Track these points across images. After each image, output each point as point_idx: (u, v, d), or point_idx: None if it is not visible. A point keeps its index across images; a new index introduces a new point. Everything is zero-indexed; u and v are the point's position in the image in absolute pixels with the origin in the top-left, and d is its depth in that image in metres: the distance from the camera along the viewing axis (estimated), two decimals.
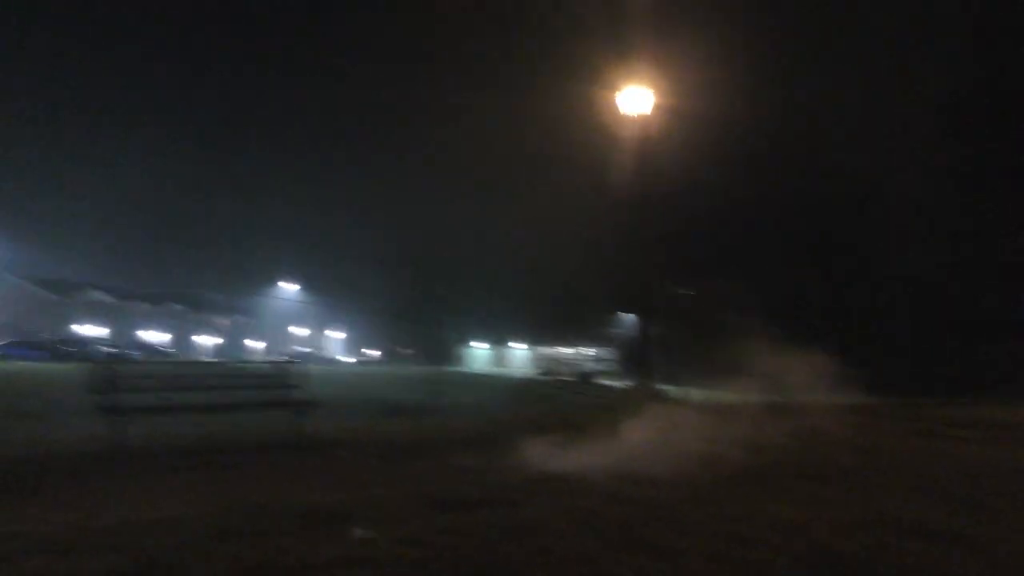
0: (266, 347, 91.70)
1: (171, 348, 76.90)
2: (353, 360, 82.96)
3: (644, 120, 15.16)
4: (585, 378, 44.82)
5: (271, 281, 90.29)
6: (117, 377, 8.25)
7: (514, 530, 4.44)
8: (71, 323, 72.44)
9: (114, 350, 51.43)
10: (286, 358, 10.31)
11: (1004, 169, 27.25)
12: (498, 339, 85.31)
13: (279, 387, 9.59)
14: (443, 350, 72.05)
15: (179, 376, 10.29)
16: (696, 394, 22.77)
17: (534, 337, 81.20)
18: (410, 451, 8.47)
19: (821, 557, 3.94)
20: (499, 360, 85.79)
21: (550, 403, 19.84)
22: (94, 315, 77.31)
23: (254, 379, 10.56)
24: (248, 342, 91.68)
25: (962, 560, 3.86)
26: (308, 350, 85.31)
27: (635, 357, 18.12)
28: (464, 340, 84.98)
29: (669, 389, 23.50)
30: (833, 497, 5.58)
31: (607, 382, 34.13)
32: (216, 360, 46.82)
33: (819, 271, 33.58)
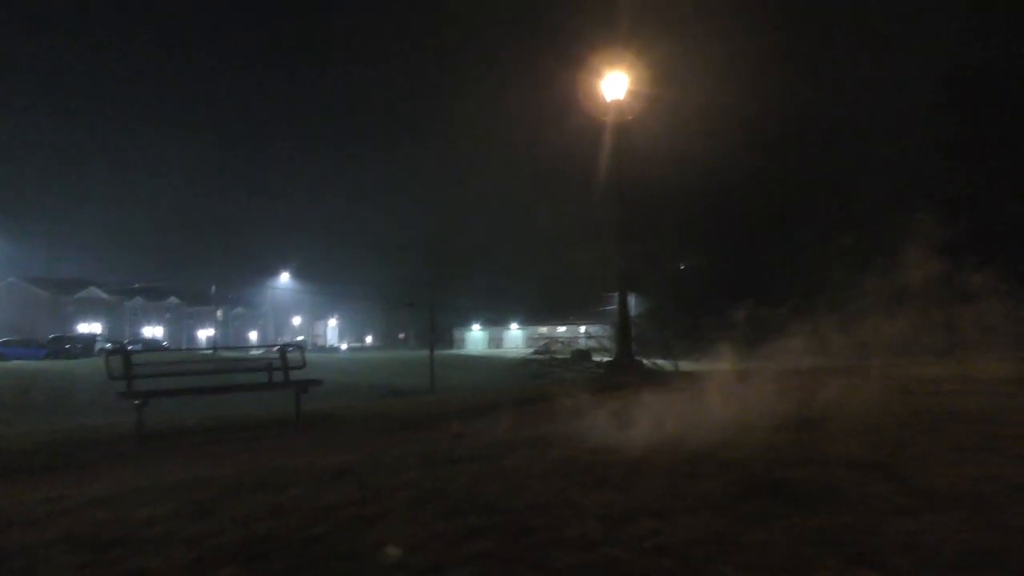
0: (262, 337, 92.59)
1: (168, 342, 77.68)
2: (345, 347, 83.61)
3: (620, 104, 15.88)
4: (580, 356, 45.65)
5: (267, 272, 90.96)
6: (132, 365, 8.99)
7: (494, 475, 5.23)
8: (68, 321, 73.01)
9: (113, 345, 52.16)
10: (281, 346, 10.84)
11: (1004, 142, 27.88)
12: (494, 321, 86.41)
13: (279, 371, 10.35)
14: (438, 334, 72.77)
15: (187, 363, 11.01)
16: (683, 366, 23.61)
17: (529, 318, 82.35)
18: (405, 423, 9.24)
19: (759, 485, 4.70)
20: (495, 341, 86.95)
21: (541, 379, 20.63)
22: (91, 312, 77.91)
23: (256, 364, 11.34)
24: (245, 333, 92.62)
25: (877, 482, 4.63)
26: (302, 338, 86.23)
27: (621, 334, 18.88)
28: (460, 323, 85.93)
29: (658, 363, 24.34)
30: (781, 441, 6.34)
31: (601, 359, 35.11)
32: (215, 350, 47.42)
33: (813, 242, 34.35)
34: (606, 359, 31.01)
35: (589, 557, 3.43)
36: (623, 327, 18.89)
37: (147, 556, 3.58)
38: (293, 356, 10.67)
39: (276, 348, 11.89)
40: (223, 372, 10.78)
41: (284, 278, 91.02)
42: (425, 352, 35.98)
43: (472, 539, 3.70)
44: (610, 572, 3.24)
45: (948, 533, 3.63)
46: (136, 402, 8.53)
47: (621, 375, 16.32)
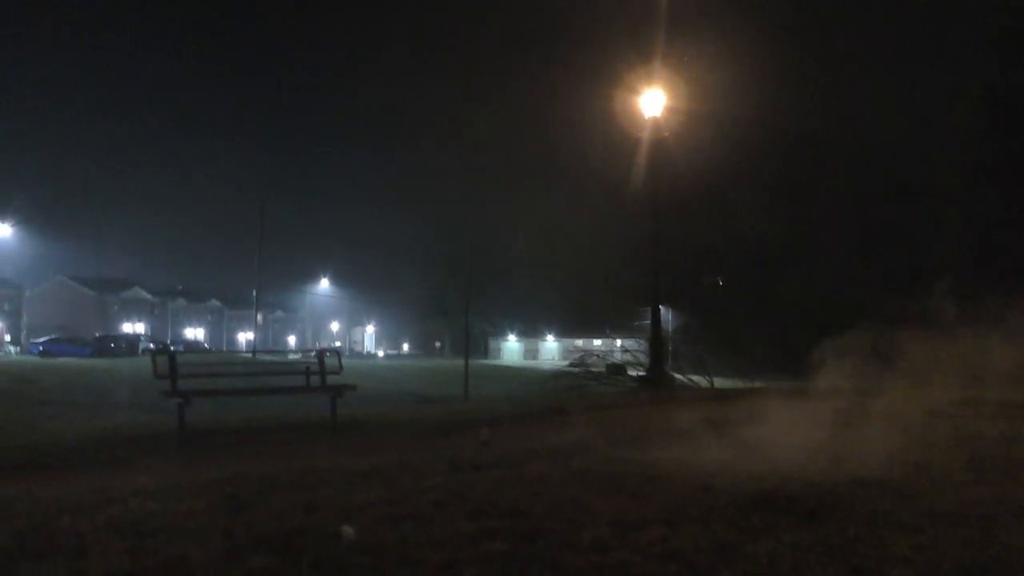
0: (300, 342, 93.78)
1: (209, 344, 79.06)
2: (381, 354, 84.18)
3: (656, 121, 16.07)
4: (615, 370, 45.47)
5: (306, 278, 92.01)
6: (177, 365, 9.36)
7: (517, 481, 5.44)
8: (112, 320, 74.63)
9: (157, 345, 53.36)
10: (319, 351, 11.15)
11: None
12: (529, 332, 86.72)
13: (316, 375, 10.67)
14: (473, 344, 73.11)
15: (228, 365, 11.37)
16: (718, 383, 23.57)
17: (565, 330, 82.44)
18: (436, 430, 9.48)
19: (770, 499, 4.84)
20: (531, 353, 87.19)
21: (573, 392, 20.77)
22: (135, 312, 79.52)
23: (294, 368, 11.70)
24: (284, 337, 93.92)
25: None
26: (339, 344, 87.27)
27: (655, 349, 18.99)
28: (495, 333, 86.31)
29: (693, 379, 24.33)
30: (797, 459, 6.47)
31: (635, 373, 35.01)
32: (254, 353, 48.24)
33: (856, 261, 34.17)
34: (640, 373, 31.06)
35: (600, 560, 3.62)
36: (655, 342, 19.03)
37: (186, 544, 3.84)
38: (329, 361, 10.95)
39: (313, 353, 12.22)
40: (262, 375, 11.15)
41: (323, 284, 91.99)
42: (460, 361, 36.20)
43: (490, 539, 3.91)
44: (619, 574, 3.43)
45: (948, 549, 3.77)
46: (179, 401, 8.88)
47: (652, 390, 16.44)
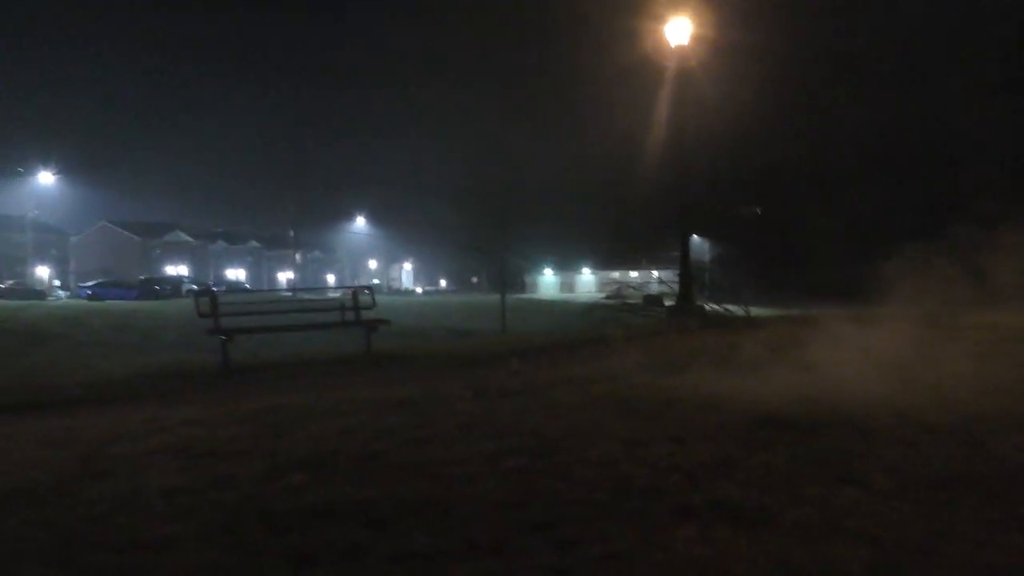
0: (339, 280, 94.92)
1: (249, 284, 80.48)
2: (420, 290, 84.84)
3: (683, 50, 15.95)
4: (651, 301, 45.41)
5: (343, 217, 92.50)
6: (219, 304, 9.80)
7: (540, 406, 5.77)
8: (155, 263, 76.28)
9: (200, 287, 54.63)
10: (353, 288, 11.55)
11: None
12: (565, 265, 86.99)
13: (351, 310, 11.09)
14: (511, 278, 73.38)
15: (268, 303, 11.81)
16: (755, 312, 23.70)
17: (601, 262, 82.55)
18: (468, 361, 9.85)
19: (775, 419, 5.11)
20: (567, 286, 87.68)
21: (605, 324, 21.04)
22: (176, 255, 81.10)
23: (331, 305, 12.13)
24: (322, 276, 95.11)
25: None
26: (377, 282, 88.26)
27: (684, 279, 19.18)
28: (532, 268, 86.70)
29: (729, 308, 24.46)
30: (806, 381, 6.71)
31: (672, 303, 35.02)
32: (294, 292, 49.19)
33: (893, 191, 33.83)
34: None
35: (608, 473, 3.93)
36: (684, 272, 19.19)
37: (232, 464, 4.23)
38: (364, 299, 11.35)
39: (350, 290, 12.63)
40: (300, 312, 11.58)
41: (359, 223, 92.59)
42: (496, 296, 36.64)
43: (508, 457, 4.25)
44: (622, 484, 3.74)
45: (935, 460, 4.02)
46: (222, 338, 9.34)
47: (683, 319, 16.67)
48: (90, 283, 54.26)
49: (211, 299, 9.75)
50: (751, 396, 5.94)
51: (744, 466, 3.98)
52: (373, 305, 10.98)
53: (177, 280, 60.86)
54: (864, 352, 8.40)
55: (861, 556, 2.71)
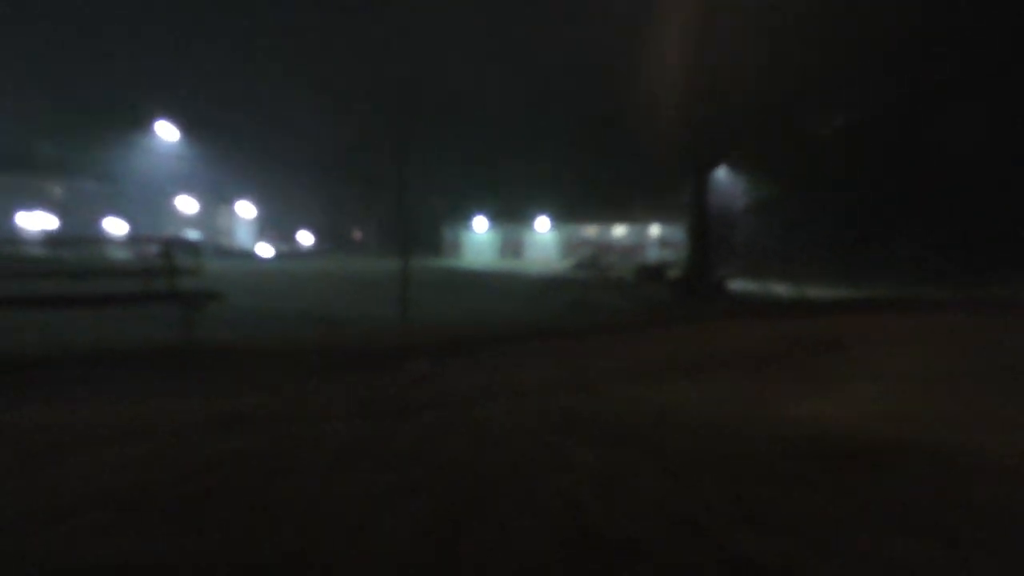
0: (131, 229, 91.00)
1: None
2: (271, 253, 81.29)
3: None
4: (647, 275, 44.61)
5: (141, 124, 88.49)
6: None
7: (459, 427, 6.13)
8: None
9: None
10: (164, 242, 11.22)
11: None
12: (511, 215, 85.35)
13: (161, 277, 11.17)
14: (421, 235, 72.78)
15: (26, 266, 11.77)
16: (813, 293, 24.42)
17: (567, 212, 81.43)
18: (353, 362, 10.13)
19: (813, 444, 5.54)
20: (511, 248, 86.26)
21: (575, 311, 21.45)
22: None
23: (122, 269, 12.18)
24: (98, 219, 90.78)
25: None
26: (195, 234, 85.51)
27: (696, 244, 19.49)
28: (456, 219, 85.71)
29: (772, 287, 25.09)
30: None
31: (679, 277, 33.79)
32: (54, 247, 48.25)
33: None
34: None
35: (565, 522, 4.25)
36: (699, 230, 19.37)
37: None
38: (182, 260, 11.45)
39: (155, 246, 12.64)
40: (69, 277, 11.62)
41: (166, 132, 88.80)
42: (393, 263, 36.06)
43: (414, 496, 4.55)
44: (588, 538, 4.06)
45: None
46: None
47: (692, 303, 17.05)
48: None
49: None
50: (791, 415, 6.37)
51: (771, 509, 4.35)
52: (198, 270, 11.15)
53: None
54: (966, 351, 8.93)
55: None
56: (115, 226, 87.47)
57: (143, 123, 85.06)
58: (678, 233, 60.27)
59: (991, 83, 37.14)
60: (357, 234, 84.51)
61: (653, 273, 44.05)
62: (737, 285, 24.58)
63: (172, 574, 3.54)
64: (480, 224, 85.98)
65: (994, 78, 37.00)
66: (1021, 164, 35.92)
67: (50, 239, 60.96)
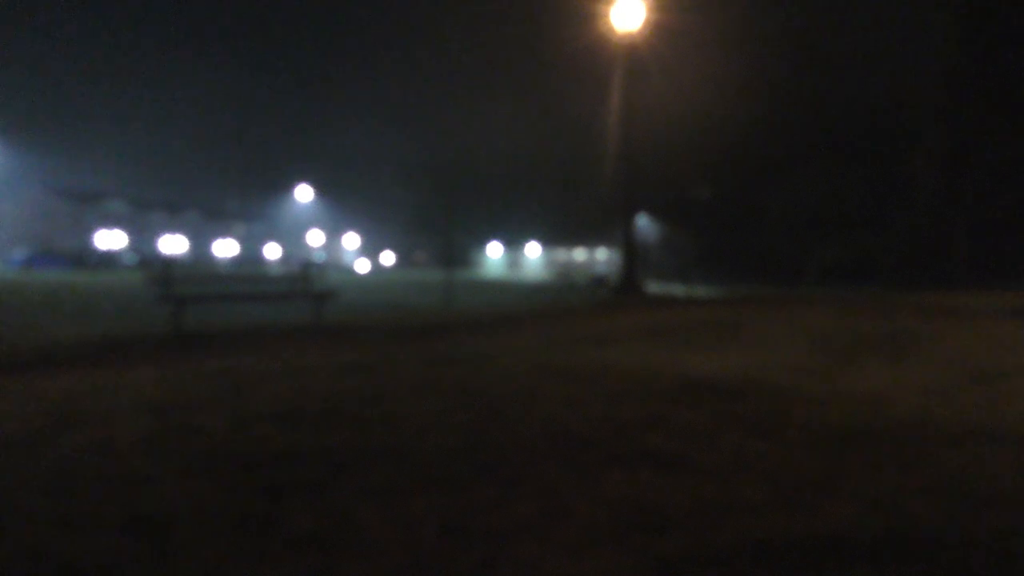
0: (283, 254, 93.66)
1: (188, 256, 79.30)
2: (367, 269, 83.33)
3: (633, 36, 16.42)
4: (597, 282, 46.70)
5: (289, 187, 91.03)
6: (171, 272, 10.00)
7: (484, 372, 6.22)
8: (88, 232, 74.46)
9: (143, 257, 53.81)
10: (303, 262, 11.82)
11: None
12: (513, 244, 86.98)
13: (301, 282, 11.43)
14: (457, 256, 73.59)
15: (220, 277, 12.02)
16: (699, 292, 24.45)
17: (549, 241, 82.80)
18: (416, 333, 10.23)
19: (703, 384, 5.63)
20: (514, 265, 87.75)
21: (550, 301, 21.58)
22: (112, 224, 79.25)
23: (279, 278, 12.43)
24: (263, 248, 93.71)
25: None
26: (320, 255, 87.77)
27: (628, 259, 19.79)
28: (478, 246, 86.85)
29: (672, 287, 25.23)
30: (738, 353, 7.28)
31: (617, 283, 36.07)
32: (239, 266, 48.84)
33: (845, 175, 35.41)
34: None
35: (547, 427, 4.38)
36: (629, 252, 19.80)
37: (200, 416, 4.58)
38: (313, 273, 11.66)
39: (297, 264, 12.89)
40: (248, 282, 11.80)
41: (304, 195, 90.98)
42: (444, 275, 36.96)
43: (458, 412, 4.69)
44: (561, 435, 4.19)
45: (845, 418, 4.57)
46: (174, 305, 9.57)
47: (625, 297, 17.28)
48: (22, 253, 52.73)
49: (163, 267, 9.96)
50: (682, 367, 6.48)
51: (669, 422, 4.48)
52: (322, 279, 11.32)
53: (112, 253, 59.68)
54: (792, 327, 9.03)
55: (762, 491, 3.20)
56: (272, 251, 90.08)
57: (291, 185, 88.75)
58: (615, 254, 60.75)
59: (795, 165, 37.29)
60: (419, 256, 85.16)
61: (600, 280, 46.14)
62: (652, 288, 25.30)
63: (313, 458, 3.66)
64: (494, 249, 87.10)
65: (797, 162, 37.11)
66: (812, 218, 36.66)
67: (232, 260, 61.48)
